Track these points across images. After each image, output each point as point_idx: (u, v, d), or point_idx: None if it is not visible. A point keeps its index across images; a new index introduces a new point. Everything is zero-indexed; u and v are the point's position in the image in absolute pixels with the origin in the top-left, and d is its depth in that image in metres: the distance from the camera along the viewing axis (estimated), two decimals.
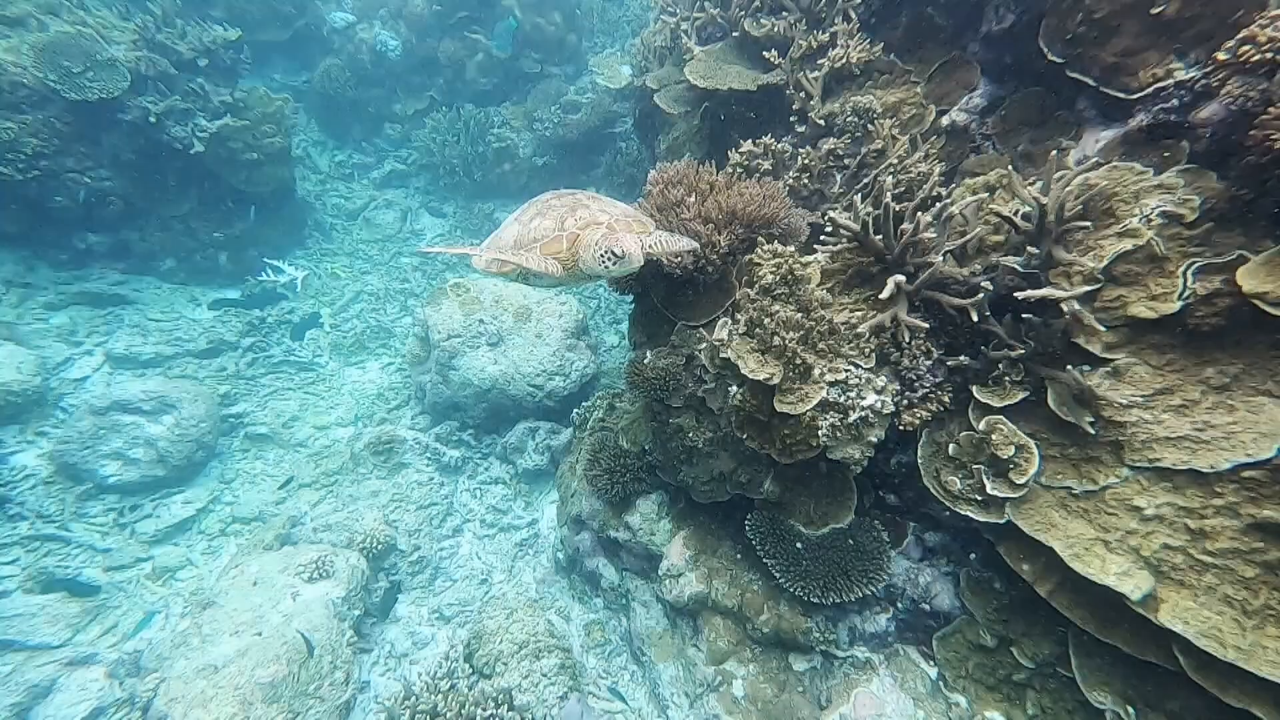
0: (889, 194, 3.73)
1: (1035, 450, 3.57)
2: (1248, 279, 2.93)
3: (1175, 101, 3.55)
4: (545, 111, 11.69)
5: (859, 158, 4.87)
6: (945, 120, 4.74)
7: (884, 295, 3.74)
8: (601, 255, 3.08)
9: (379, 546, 6.02)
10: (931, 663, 4.21)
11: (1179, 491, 3.16)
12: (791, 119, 5.25)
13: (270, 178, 10.62)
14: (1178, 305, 3.18)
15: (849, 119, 4.91)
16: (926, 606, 4.23)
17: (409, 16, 13.10)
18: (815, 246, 4.35)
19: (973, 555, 4.15)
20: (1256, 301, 2.89)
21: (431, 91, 13.26)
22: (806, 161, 4.98)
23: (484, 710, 4.13)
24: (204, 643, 4.69)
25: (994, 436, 3.68)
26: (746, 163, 5.09)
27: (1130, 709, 3.39)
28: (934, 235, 3.69)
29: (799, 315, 3.89)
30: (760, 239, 4.22)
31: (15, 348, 7.51)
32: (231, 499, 7.04)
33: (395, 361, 9.26)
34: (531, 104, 12.18)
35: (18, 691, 4.90)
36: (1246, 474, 2.95)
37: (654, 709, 4.82)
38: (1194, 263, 3.18)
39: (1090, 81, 3.85)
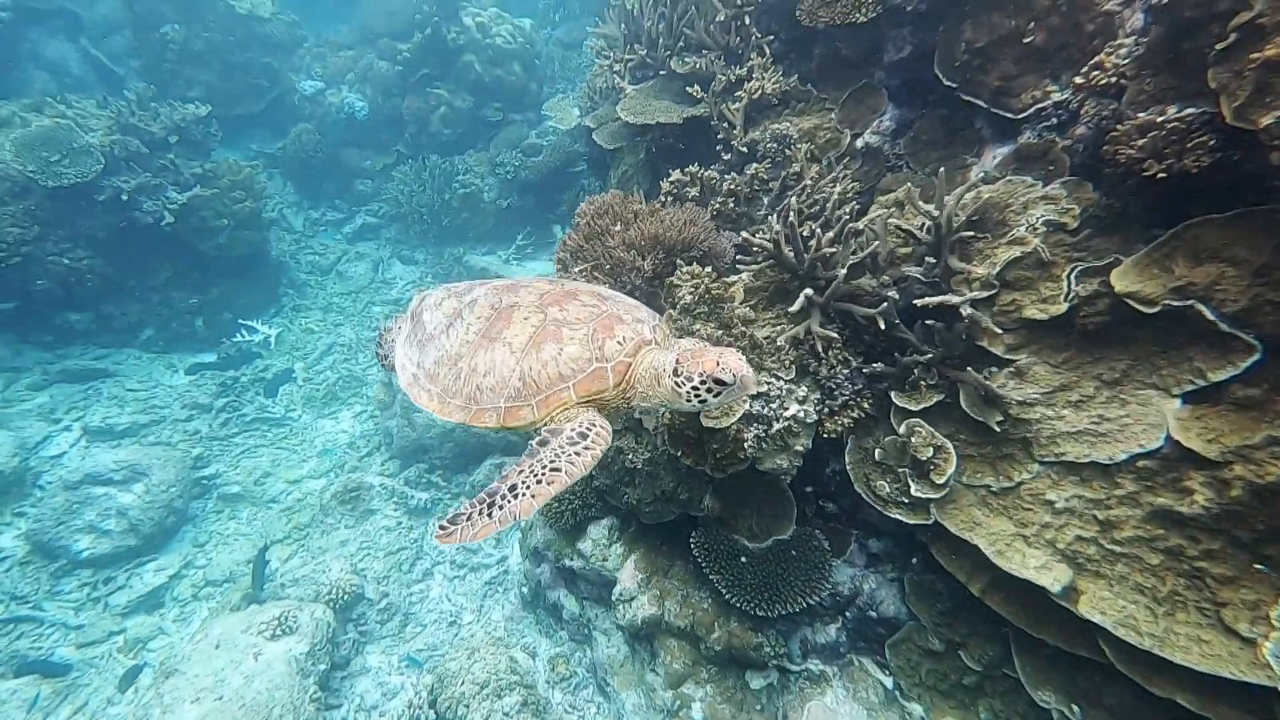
0: (792, 213, 3.89)
1: (953, 450, 3.64)
2: (1120, 280, 3.06)
3: (1054, 120, 3.75)
4: (507, 156, 12.03)
5: (780, 180, 5.06)
6: (860, 143, 4.95)
7: (794, 308, 3.87)
8: (693, 390, 2.20)
9: (345, 597, 6.02)
10: (886, 672, 4.20)
11: (1086, 484, 3.23)
12: (718, 148, 5.47)
13: (242, 241, 10.89)
14: (1065, 307, 3.30)
15: (769, 145, 5.12)
16: (874, 614, 4.25)
17: (374, 79, 13.61)
18: (738, 266, 4.52)
19: (914, 559, 4.19)
20: (1129, 300, 3.02)
21: (398, 146, 13.68)
22: (732, 187, 5.17)
23: None
24: (164, 713, 4.68)
25: (913, 439, 3.76)
26: (676, 190, 5.29)
27: (1075, 707, 3.38)
28: (834, 250, 3.85)
29: (719, 332, 4.01)
30: (680, 262, 4.37)
31: None
32: (204, 562, 7.04)
33: (367, 409, 9.36)
34: (494, 150, 12.54)
35: None
36: (1142, 464, 3.02)
37: None
38: (1076, 267, 3.31)
39: (981, 104, 4.06)
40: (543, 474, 2.18)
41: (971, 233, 3.56)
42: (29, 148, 8.54)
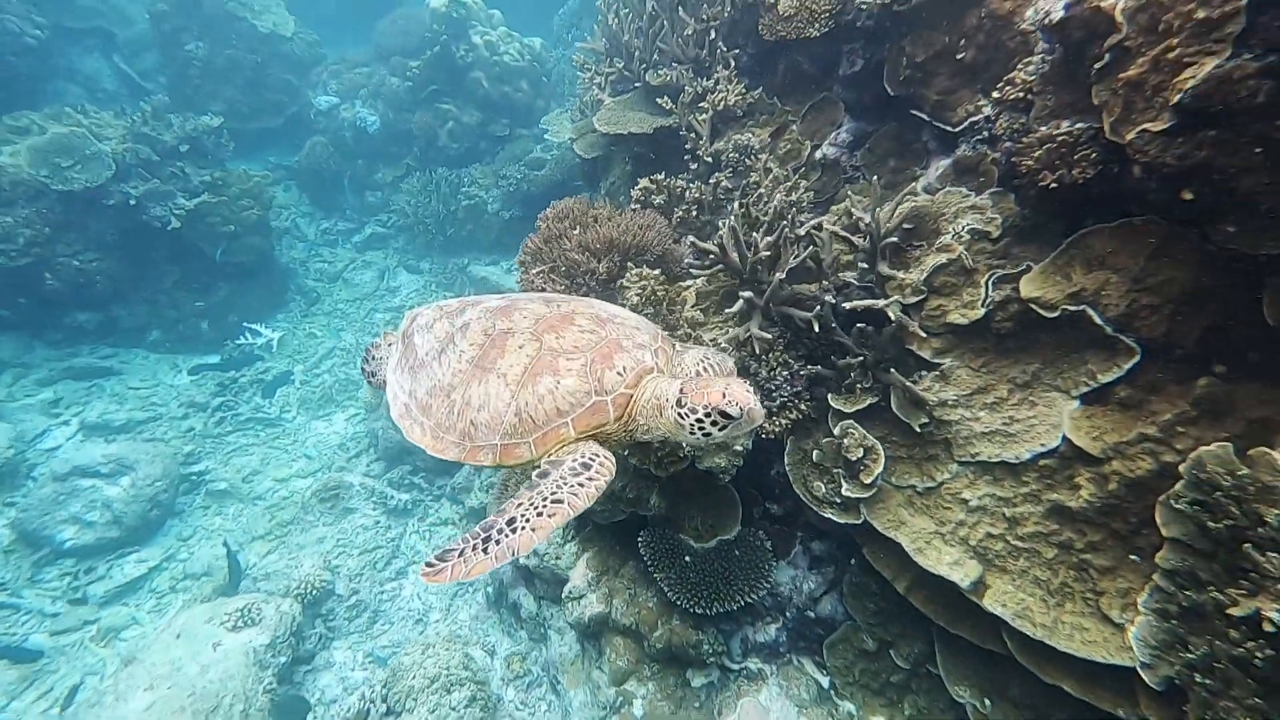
0: (734, 218, 4.04)
1: (881, 451, 3.71)
2: (1027, 286, 3.15)
3: (985, 133, 3.86)
4: (511, 170, 12.35)
5: (741, 190, 5.22)
6: (818, 155, 5.10)
7: (732, 310, 4.00)
8: (697, 422, 2.10)
9: (314, 592, 6.16)
10: (824, 671, 4.24)
11: (998, 483, 3.28)
12: (686, 158, 5.65)
13: (249, 248, 11.29)
14: (982, 312, 3.39)
15: (732, 155, 5.29)
16: (812, 614, 4.29)
17: (385, 94, 14.10)
18: (691, 271, 4.67)
19: (853, 561, 4.24)
20: (1033, 306, 3.11)
21: (407, 159, 14.10)
22: (696, 195, 5.33)
23: None
24: (117, 700, 4.82)
25: (846, 440, 3.85)
26: (643, 198, 5.47)
27: (987, 701, 3.43)
28: (769, 254, 3.97)
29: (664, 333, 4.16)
30: (631, 265, 4.53)
31: None
32: (185, 556, 7.23)
33: (360, 413, 9.58)
34: (499, 164, 12.88)
35: None
36: (1043, 462, 3.08)
37: None
38: (994, 273, 3.41)
39: (925, 117, 4.19)
40: (543, 507, 2.06)
41: (904, 241, 3.68)
42: (43, 154, 9.02)
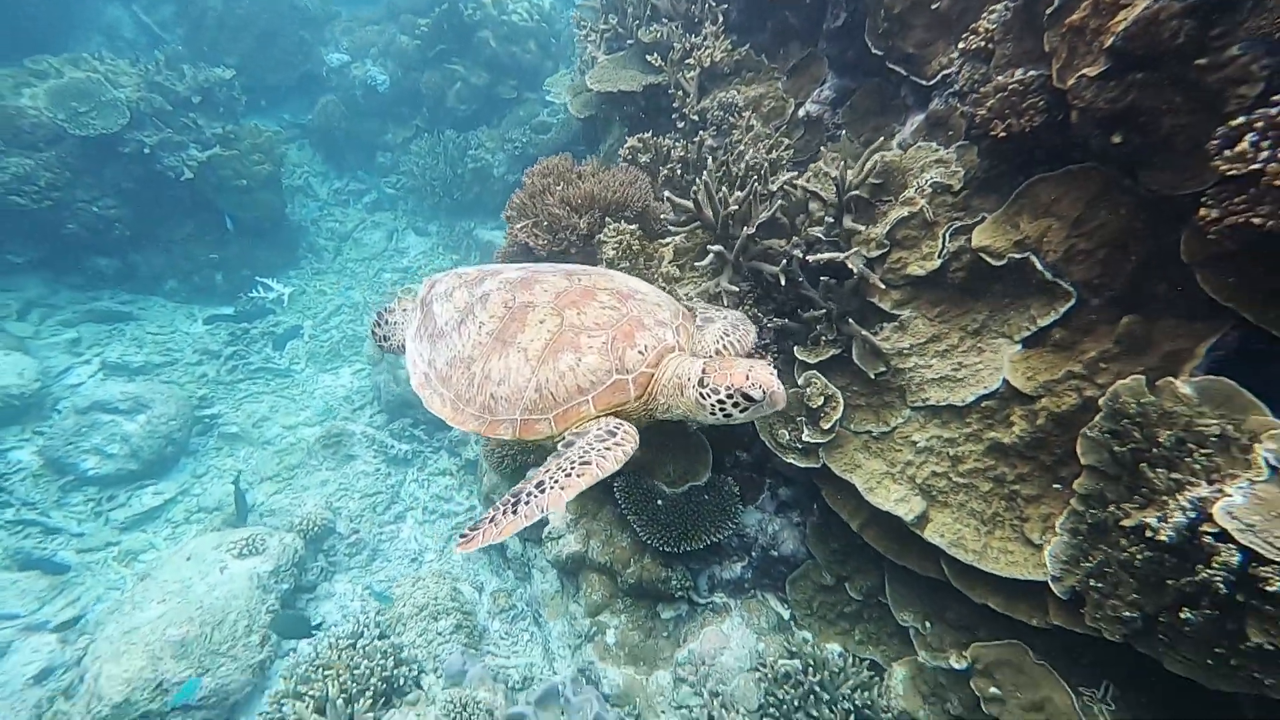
0: (706, 173, 4.15)
1: (841, 399, 3.87)
2: (978, 236, 3.26)
3: (957, 86, 3.90)
4: (517, 133, 12.39)
5: (725, 148, 5.29)
6: (801, 112, 5.14)
7: (702, 264, 4.14)
8: (719, 403, 2.12)
9: (316, 529, 6.51)
10: (785, 605, 4.49)
11: (945, 425, 3.44)
12: (673, 116, 5.72)
13: (260, 203, 11.51)
14: (938, 263, 3.50)
15: (717, 113, 5.35)
16: (775, 553, 4.51)
17: (395, 53, 14.10)
18: (670, 228, 4.79)
19: (815, 505, 4.44)
20: (983, 255, 3.22)
21: (416, 120, 14.14)
22: (681, 154, 5.42)
23: (370, 661, 4.53)
24: (134, 609, 5.22)
25: (809, 390, 4.02)
26: (630, 157, 5.56)
27: (928, 624, 3.66)
28: (738, 208, 4.07)
29: None
30: (609, 220, 4.66)
31: (21, 357, 8.36)
32: (199, 491, 7.64)
33: (366, 368, 9.88)
34: (505, 127, 12.92)
35: None
36: (985, 404, 3.24)
37: (545, 662, 5.16)
38: (952, 225, 3.51)
39: (902, 71, 4.23)
40: (571, 469, 2.11)
41: (874, 196, 3.78)
42: (60, 98, 9.21)
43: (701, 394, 2.14)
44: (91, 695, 4.70)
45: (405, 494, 7.62)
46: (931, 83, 4.04)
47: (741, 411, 2.12)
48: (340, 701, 4.13)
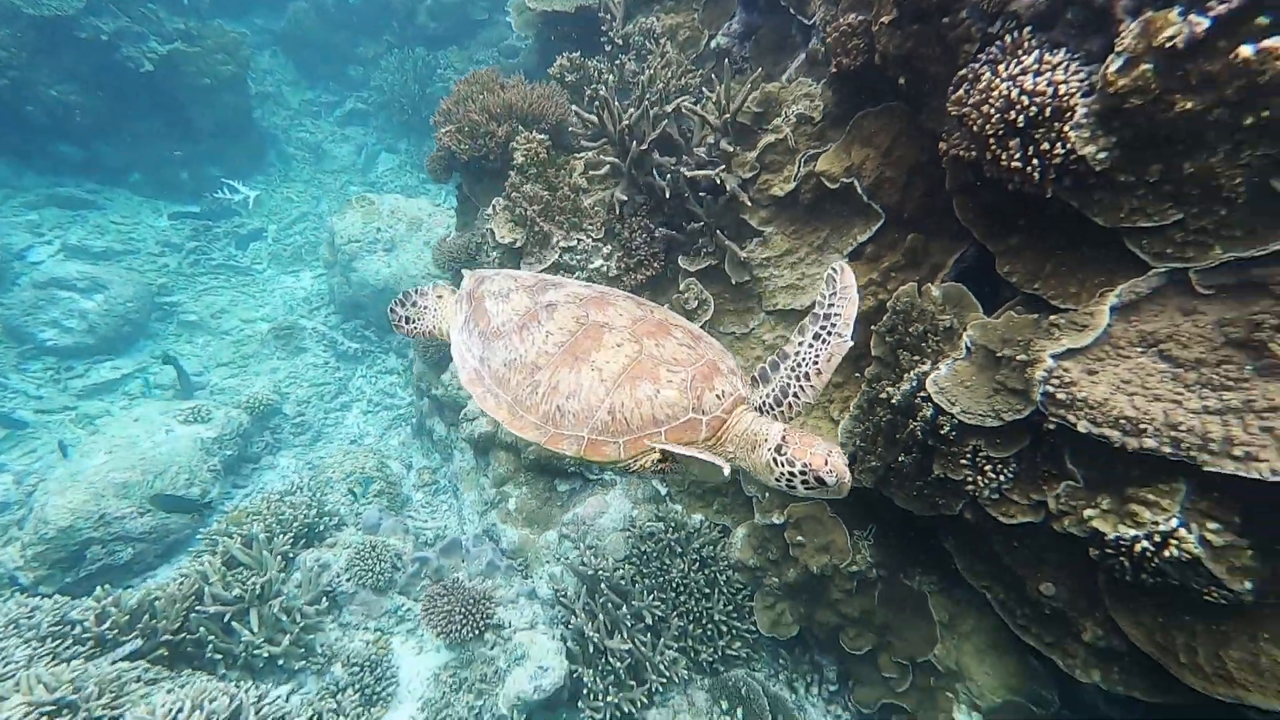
0: (603, 87, 4.59)
1: (711, 303, 4.46)
2: (821, 162, 3.79)
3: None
4: (485, 54, 12.43)
5: (643, 72, 5.69)
6: (713, 44, 5.53)
7: (600, 172, 4.63)
8: (790, 474, 2.14)
9: (262, 407, 7.07)
10: (664, 484, 5.20)
11: (789, 327, 4.07)
12: (601, 39, 6.05)
13: (225, 104, 11.57)
14: (793, 185, 4.03)
15: (637, 38, 5.72)
16: None
17: None
18: (582, 142, 5.23)
19: None
20: (823, 179, 3.76)
21: (387, 35, 14.03)
22: (606, 76, 5.81)
23: (294, 510, 5.18)
24: (82, 457, 5.83)
25: (688, 294, 4.60)
26: (559, 76, 5.92)
27: (765, 494, 4.33)
28: (631, 124, 4.51)
29: (544, 192, 4.79)
30: (521, 129, 5.08)
31: None
32: (156, 370, 8.13)
33: (326, 273, 10.27)
34: (474, 49, 12.93)
35: None
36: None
37: (458, 526, 5.89)
38: (807, 152, 4.03)
39: (791, 11, 4.62)
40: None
41: (755, 124, 4.26)
42: None
43: (775, 460, 2.16)
44: (39, 520, 5.31)
45: (353, 387, 8.19)
46: (811, 22, 4.43)
47: (806, 489, 2.15)
48: (263, 537, 4.79)
